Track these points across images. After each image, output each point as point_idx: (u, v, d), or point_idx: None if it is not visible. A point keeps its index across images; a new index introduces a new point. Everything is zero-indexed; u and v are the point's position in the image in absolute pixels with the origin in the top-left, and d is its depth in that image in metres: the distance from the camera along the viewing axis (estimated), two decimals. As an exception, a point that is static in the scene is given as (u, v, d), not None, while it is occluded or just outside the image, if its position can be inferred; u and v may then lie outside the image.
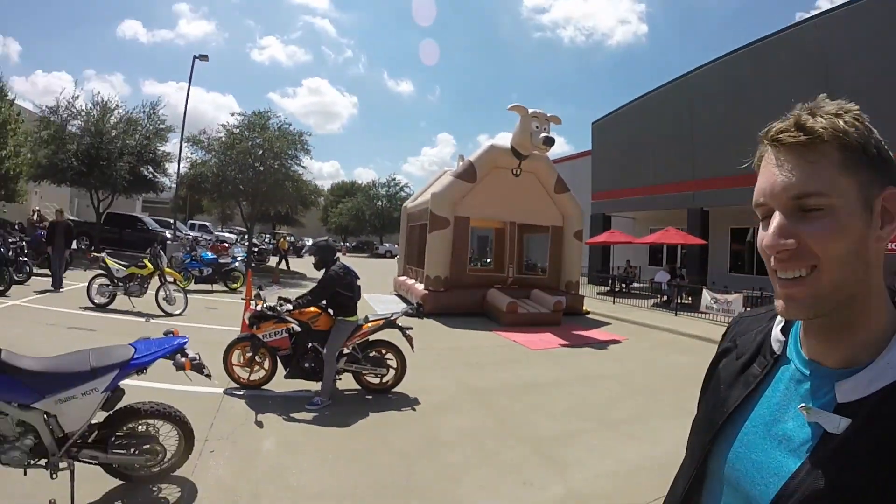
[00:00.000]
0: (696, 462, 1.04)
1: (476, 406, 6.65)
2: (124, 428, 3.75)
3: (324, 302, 6.53)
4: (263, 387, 6.56)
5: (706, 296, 15.48)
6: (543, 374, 8.48)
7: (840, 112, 0.80)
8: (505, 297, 13.41)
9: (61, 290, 12.42)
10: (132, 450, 3.72)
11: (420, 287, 14.86)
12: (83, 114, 23.09)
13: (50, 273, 12.96)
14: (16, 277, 12.14)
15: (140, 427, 3.84)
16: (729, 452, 0.95)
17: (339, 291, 6.39)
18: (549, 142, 13.57)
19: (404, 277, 17.79)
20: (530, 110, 13.79)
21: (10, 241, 12.93)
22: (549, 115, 13.99)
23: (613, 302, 18.76)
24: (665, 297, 19.00)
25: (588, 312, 16.02)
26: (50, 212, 15.85)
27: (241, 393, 6.35)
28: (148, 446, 3.78)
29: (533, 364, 9.13)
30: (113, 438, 3.67)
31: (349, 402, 6.41)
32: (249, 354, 6.50)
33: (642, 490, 4.42)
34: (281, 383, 6.57)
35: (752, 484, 0.88)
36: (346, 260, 7.05)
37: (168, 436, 3.96)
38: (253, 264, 21.98)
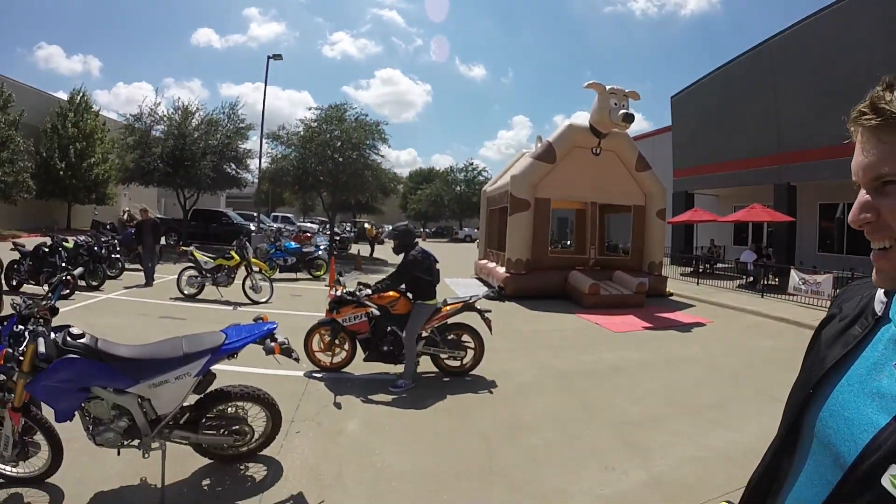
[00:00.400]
0: (789, 420, 1.04)
1: (558, 389, 6.57)
2: (215, 410, 3.89)
3: (403, 286, 6.60)
4: (343, 370, 6.70)
5: (794, 276, 14.67)
6: (626, 357, 8.29)
7: None
8: (587, 279, 13.21)
9: (153, 283, 12.97)
10: (222, 431, 3.86)
11: (501, 270, 14.80)
12: (165, 119, 24.33)
13: (142, 269, 13.49)
14: (109, 273, 12.83)
15: (230, 409, 3.97)
16: (822, 410, 0.95)
17: (419, 275, 6.43)
18: (629, 118, 13.24)
19: (485, 261, 17.74)
20: (608, 87, 13.46)
21: (102, 239, 13.68)
22: (626, 90, 13.62)
23: (697, 283, 18.18)
24: (751, 278, 18.18)
25: (671, 294, 15.58)
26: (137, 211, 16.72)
27: (321, 376, 6.50)
28: (237, 427, 3.91)
29: (615, 347, 8.96)
30: (203, 420, 3.82)
31: (430, 385, 6.46)
32: (329, 338, 6.64)
33: (726, 477, 4.26)
34: (363, 366, 6.69)
35: (842, 440, 0.87)
36: (426, 245, 7.08)
37: (256, 417, 4.09)
38: (335, 252, 22.44)
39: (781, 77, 20.43)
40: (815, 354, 1.04)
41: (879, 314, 0.95)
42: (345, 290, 6.66)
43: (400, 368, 6.51)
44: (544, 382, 6.81)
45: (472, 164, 61.56)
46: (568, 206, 17.47)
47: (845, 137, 0.90)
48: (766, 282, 16.58)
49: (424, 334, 6.61)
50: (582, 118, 14.75)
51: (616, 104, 13.33)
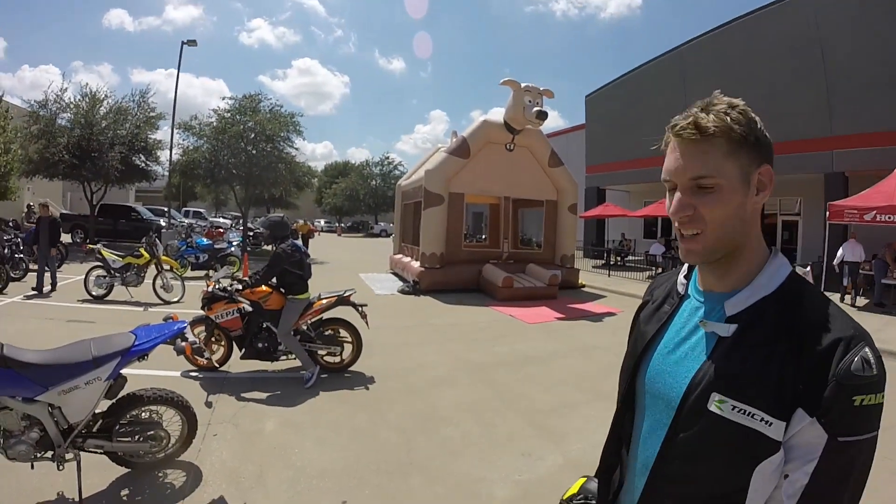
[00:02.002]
0: (624, 386, 1.31)
1: (474, 380, 6.73)
2: (128, 416, 3.79)
3: (275, 281, 6.51)
4: (221, 368, 6.50)
5: (700, 267, 15.49)
6: (540, 347, 8.58)
7: (728, 110, 1.04)
8: (500, 273, 13.50)
9: (51, 289, 11.62)
10: (136, 437, 3.77)
11: (416, 264, 14.90)
12: (72, 106, 22.83)
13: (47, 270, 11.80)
14: (12, 275, 12.04)
15: (143, 414, 3.88)
16: (647, 371, 1.22)
17: (288, 269, 6.33)
18: (542, 115, 13.62)
19: (400, 255, 17.80)
20: (523, 84, 13.82)
21: (5, 238, 12.80)
22: (541, 88, 14.01)
23: (608, 275, 18.90)
24: (660, 270, 19.10)
25: (583, 286, 16.14)
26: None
27: (202, 375, 6.25)
28: (152, 433, 3.83)
29: (529, 338, 9.23)
30: (117, 427, 3.72)
31: (343, 381, 6.47)
32: (205, 336, 6.42)
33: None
34: (279, 364, 6.67)
35: (668, 388, 1.14)
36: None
37: (171, 421, 4.02)
38: (249, 248, 21.98)
39: (692, 81, 21.47)
40: (637, 333, 1.32)
41: (682, 293, 1.24)
42: (217, 286, 6.48)
43: (278, 366, 6.58)
44: (459, 374, 6.96)
45: (388, 157, 61.27)
46: (482, 200, 17.76)
47: (659, 147, 1.17)
48: (673, 273, 17.39)
49: (303, 329, 6.57)
50: (498, 115, 15.03)
51: (530, 101, 13.69)
